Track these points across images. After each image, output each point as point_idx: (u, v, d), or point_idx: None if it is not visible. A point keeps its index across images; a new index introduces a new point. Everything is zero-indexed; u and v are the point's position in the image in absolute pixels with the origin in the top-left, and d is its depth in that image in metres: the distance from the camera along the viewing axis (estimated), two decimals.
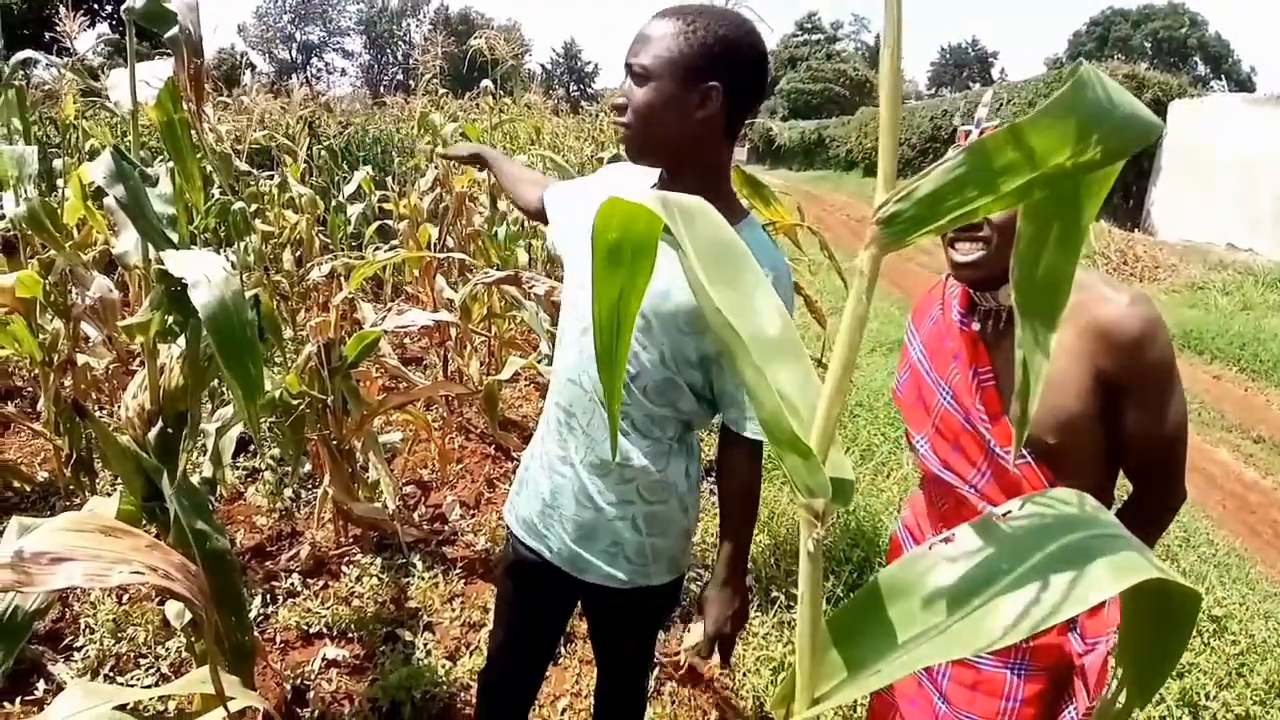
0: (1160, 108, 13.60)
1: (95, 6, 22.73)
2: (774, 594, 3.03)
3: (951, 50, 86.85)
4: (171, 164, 2.10)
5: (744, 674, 2.61)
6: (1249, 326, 7.86)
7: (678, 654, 2.54)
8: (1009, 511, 0.56)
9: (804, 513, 0.51)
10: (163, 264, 1.79)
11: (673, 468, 1.48)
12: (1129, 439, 1.29)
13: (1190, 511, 4.11)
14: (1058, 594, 0.49)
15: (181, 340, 1.95)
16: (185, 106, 2.04)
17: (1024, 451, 1.31)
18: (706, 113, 1.29)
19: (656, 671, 2.55)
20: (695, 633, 1.43)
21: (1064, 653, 1.36)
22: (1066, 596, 0.49)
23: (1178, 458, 1.31)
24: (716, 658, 1.54)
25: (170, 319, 1.94)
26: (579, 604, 1.72)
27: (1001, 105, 15.64)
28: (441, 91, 6.39)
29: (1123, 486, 1.41)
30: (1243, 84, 57.45)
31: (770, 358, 0.52)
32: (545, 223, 1.75)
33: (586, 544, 1.52)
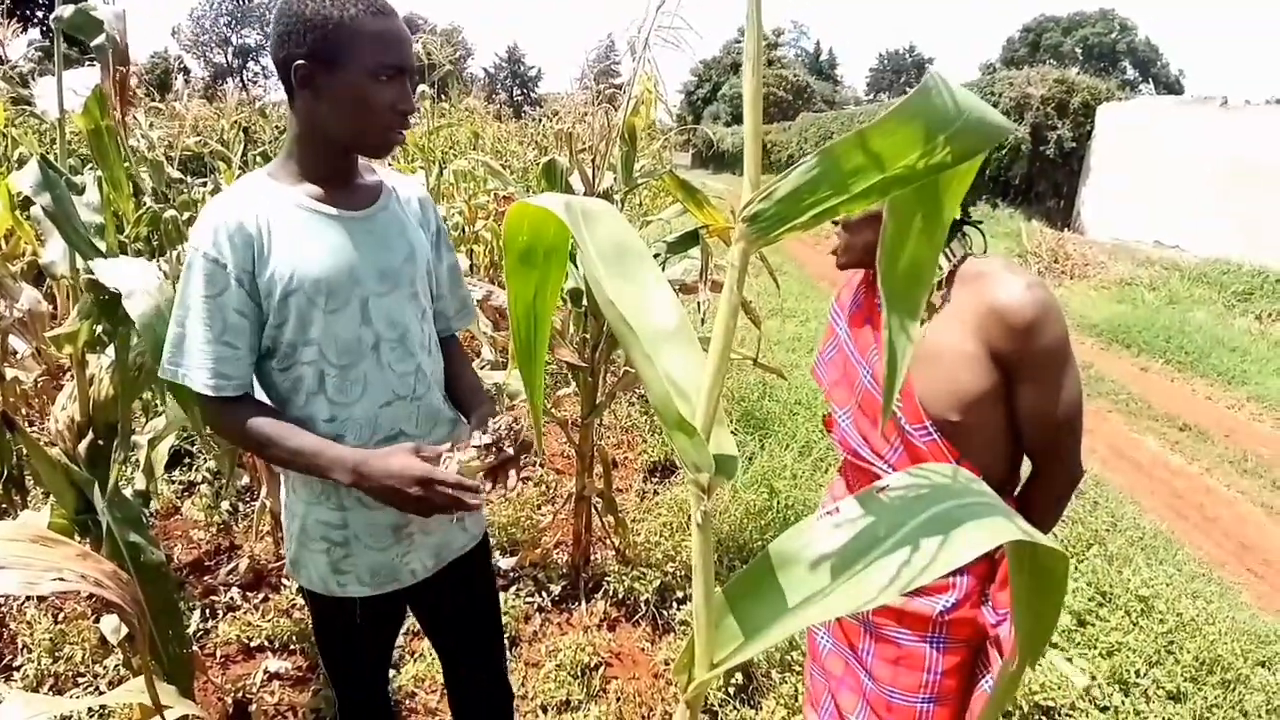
0: (1090, 111, 14.07)
1: (28, 13, 22.04)
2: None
3: (889, 56, 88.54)
4: (99, 172, 2.08)
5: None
6: (1175, 320, 8.17)
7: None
8: (888, 484, 0.60)
9: (692, 487, 0.55)
10: (92, 273, 1.78)
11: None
12: (1025, 418, 1.35)
13: (1118, 497, 4.27)
14: (928, 556, 0.54)
15: (111, 350, 1.92)
16: (112, 114, 2.03)
17: (929, 428, 1.37)
18: None
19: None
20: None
21: (978, 625, 1.43)
22: (935, 558, 0.54)
23: (1072, 436, 1.37)
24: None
25: (99, 328, 1.92)
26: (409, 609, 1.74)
27: None
28: None
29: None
30: (1171, 87, 59.48)
31: (661, 347, 0.56)
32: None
33: (443, 529, 1.56)
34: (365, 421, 1.42)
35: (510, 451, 1.35)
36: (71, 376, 2.03)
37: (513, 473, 1.39)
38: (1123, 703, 2.58)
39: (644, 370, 0.54)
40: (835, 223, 1.44)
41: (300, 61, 1.27)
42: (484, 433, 1.34)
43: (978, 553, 0.54)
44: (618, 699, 2.51)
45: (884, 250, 0.55)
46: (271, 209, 1.35)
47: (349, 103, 1.30)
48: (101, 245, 1.89)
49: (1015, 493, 1.48)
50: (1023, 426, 1.36)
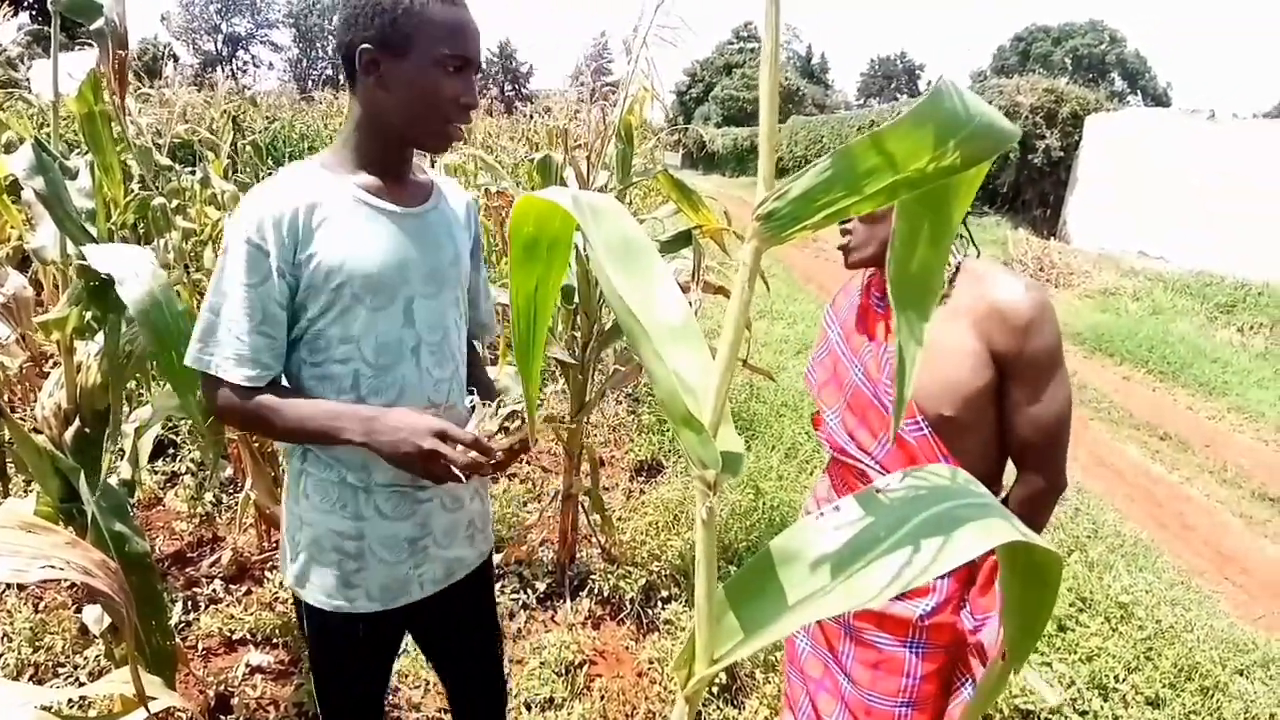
0: (1078, 121, 14.18)
1: None
2: None
3: (880, 62, 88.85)
4: (91, 157, 2.06)
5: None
6: (1158, 330, 8.25)
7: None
8: (889, 484, 0.61)
9: (698, 483, 0.55)
10: (83, 258, 1.76)
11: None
12: (1015, 419, 1.37)
13: (1099, 504, 4.31)
14: (928, 556, 0.55)
15: (100, 337, 1.91)
16: (109, 99, 2.01)
17: (920, 424, 1.39)
18: None
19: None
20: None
21: (957, 630, 1.45)
22: (935, 558, 0.54)
23: (1060, 442, 1.39)
24: None
25: (89, 315, 1.90)
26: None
27: None
28: None
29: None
30: (1159, 99, 59.97)
31: (669, 344, 0.57)
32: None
33: (456, 544, 1.53)
34: None
35: (514, 434, 1.33)
36: (57, 363, 2.02)
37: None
38: (1102, 708, 2.61)
39: (653, 367, 0.55)
40: (844, 221, 1.45)
41: (366, 46, 1.24)
42: (504, 405, 1.33)
43: (977, 553, 0.54)
44: (602, 697, 2.52)
45: (894, 254, 0.56)
46: (323, 199, 1.30)
47: (413, 92, 1.27)
48: (94, 231, 1.87)
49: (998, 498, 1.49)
50: (1010, 429, 1.38)
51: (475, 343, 1.68)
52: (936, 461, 1.37)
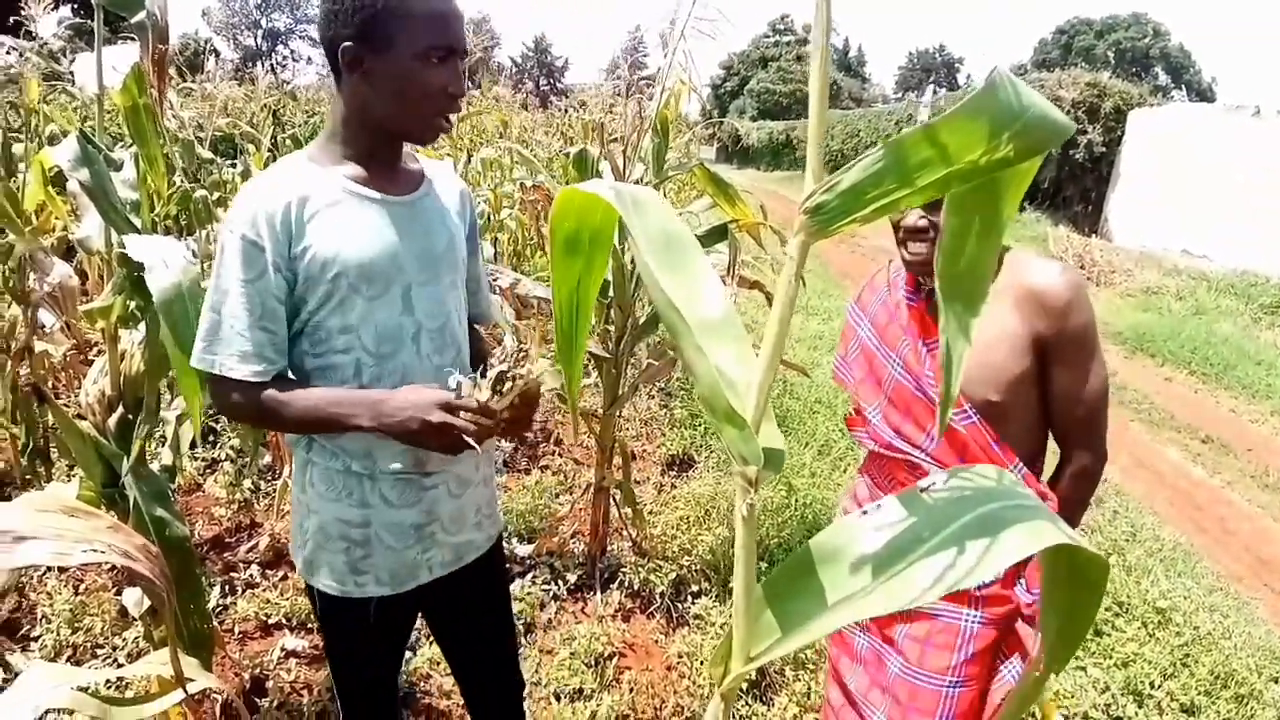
0: (1121, 116, 13.90)
1: None
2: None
3: (919, 55, 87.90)
4: (135, 149, 2.09)
5: (701, 662, 2.66)
6: (1200, 331, 8.07)
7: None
8: (933, 484, 0.60)
9: (739, 480, 0.55)
10: (124, 248, 1.79)
11: None
12: (1057, 398, 1.42)
13: (1138, 507, 4.23)
14: (973, 559, 0.53)
15: (143, 326, 1.94)
16: (150, 92, 2.04)
17: (969, 411, 1.41)
18: None
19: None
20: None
21: (1011, 603, 1.47)
22: (980, 561, 0.53)
23: (1100, 417, 1.43)
24: None
25: (132, 304, 1.94)
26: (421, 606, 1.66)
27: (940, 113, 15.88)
28: None
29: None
30: (1203, 94, 58.72)
31: (711, 339, 0.56)
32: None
33: (465, 529, 1.53)
34: None
35: (524, 374, 1.29)
36: (101, 351, 2.05)
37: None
38: (1136, 714, 2.56)
39: (695, 361, 0.54)
40: (920, 234, 1.43)
41: (348, 43, 1.24)
42: (493, 365, 1.29)
43: (1022, 556, 0.53)
44: (630, 689, 2.52)
45: (942, 250, 0.55)
46: (312, 192, 1.31)
47: (399, 87, 1.26)
48: (137, 222, 1.90)
49: (1042, 478, 1.52)
50: (1054, 409, 1.43)
51: (478, 327, 1.68)
52: (987, 447, 1.41)
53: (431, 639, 2.65)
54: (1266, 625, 3.24)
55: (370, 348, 1.35)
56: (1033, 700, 0.75)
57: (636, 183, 2.68)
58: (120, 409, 2.00)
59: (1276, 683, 2.79)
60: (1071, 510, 1.51)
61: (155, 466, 2.15)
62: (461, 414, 1.25)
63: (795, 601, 0.58)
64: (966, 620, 1.47)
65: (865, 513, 0.60)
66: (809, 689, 2.50)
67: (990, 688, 1.51)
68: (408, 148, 1.47)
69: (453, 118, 1.35)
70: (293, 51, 70.96)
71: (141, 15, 1.90)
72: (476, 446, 1.25)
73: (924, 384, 1.47)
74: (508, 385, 1.27)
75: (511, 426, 1.34)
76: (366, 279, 1.32)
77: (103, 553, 1.19)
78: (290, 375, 1.40)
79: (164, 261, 1.68)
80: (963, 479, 0.60)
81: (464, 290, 1.52)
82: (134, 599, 2.19)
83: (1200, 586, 3.43)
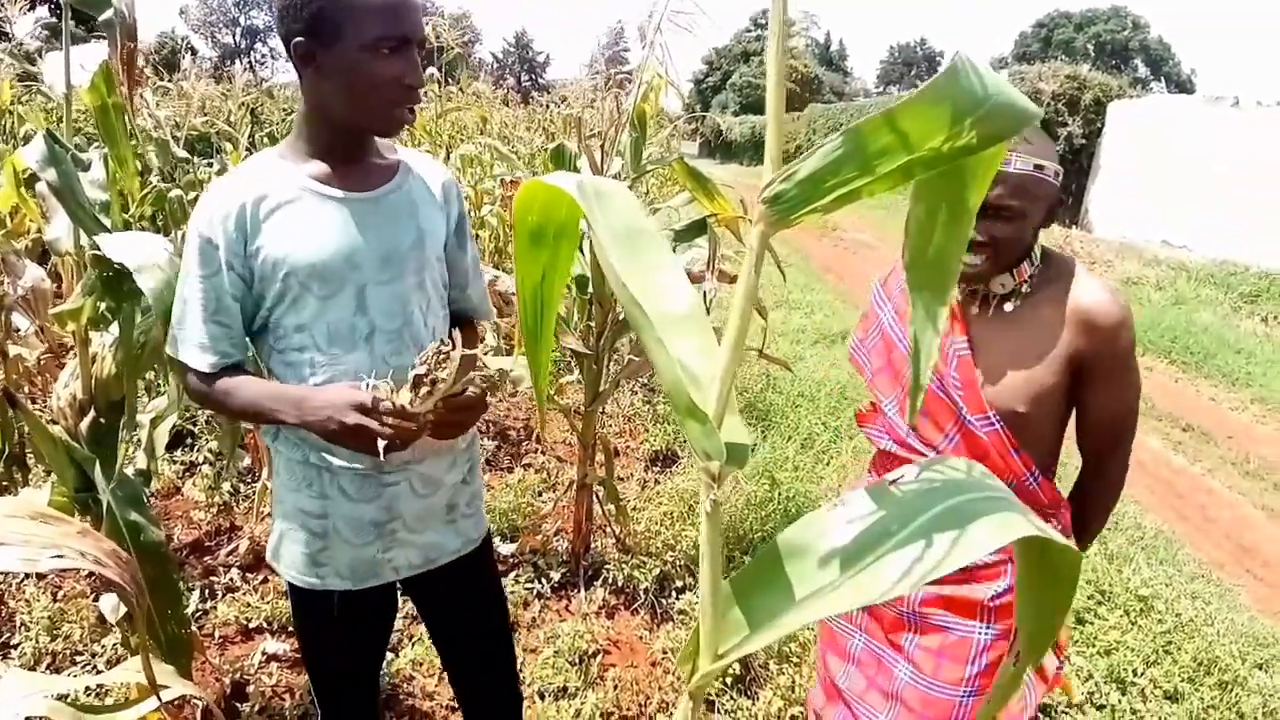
0: (1101, 108, 13.98)
1: None
2: None
3: (900, 49, 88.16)
4: (105, 149, 2.06)
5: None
6: (1180, 321, 8.13)
7: None
8: (902, 477, 0.59)
9: (702, 475, 0.54)
10: (97, 249, 1.76)
11: None
12: (1092, 413, 1.41)
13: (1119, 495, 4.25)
14: (941, 551, 0.53)
15: (114, 327, 1.91)
16: (119, 91, 2.01)
17: (992, 419, 1.40)
18: None
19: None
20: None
21: None
22: (948, 554, 0.52)
23: (1130, 432, 1.44)
24: None
25: (103, 305, 1.91)
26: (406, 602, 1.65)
27: None
28: None
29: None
30: (1183, 86, 59.19)
31: (673, 332, 0.55)
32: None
33: (432, 530, 1.50)
34: None
35: (445, 378, 1.24)
36: (74, 354, 2.03)
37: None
38: (1120, 701, 2.57)
39: (656, 355, 0.53)
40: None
41: (299, 39, 1.23)
42: (414, 367, 1.25)
43: (992, 549, 0.53)
44: (615, 686, 2.51)
45: (909, 238, 0.54)
46: (272, 190, 1.31)
47: (350, 80, 1.25)
48: (107, 222, 1.88)
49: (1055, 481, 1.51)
50: (1088, 423, 1.43)
51: (478, 325, 1.66)
52: (1006, 454, 1.40)
53: (414, 640, 2.64)
54: (1249, 612, 3.26)
55: (322, 346, 1.35)
56: (1012, 692, 0.74)
57: (615, 177, 2.66)
58: (92, 413, 1.98)
59: (1260, 669, 2.80)
60: (1096, 517, 1.52)
61: (130, 470, 2.13)
62: (382, 416, 1.22)
63: (763, 597, 0.57)
64: (980, 634, 1.46)
65: (835, 507, 0.59)
66: (793, 682, 2.49)
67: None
68: (388, 140, 1.45)
69: (414, 109, 1.33)
70: (272, 49, 70.34)
71: (109, 13, 1.88)
72: (381, 450, 1.21)
73: (947, 384, 1.44)
74: (424, 389, 1.22)
75: (440, 429, 1.31)
76: (318, 278, 1.31)
77: (71, 559, 1.17)
78: (252, 367, 1.43)
79: (152, 261, 1.67)
80: (933, 471, 0.60)
81: (438, 289, 1.49)
82: (111, 605, 2.17)
83: (1182, 574, 3.45)
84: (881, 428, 1.58)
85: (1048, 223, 1.39)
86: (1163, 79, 60.35)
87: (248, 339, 1.41)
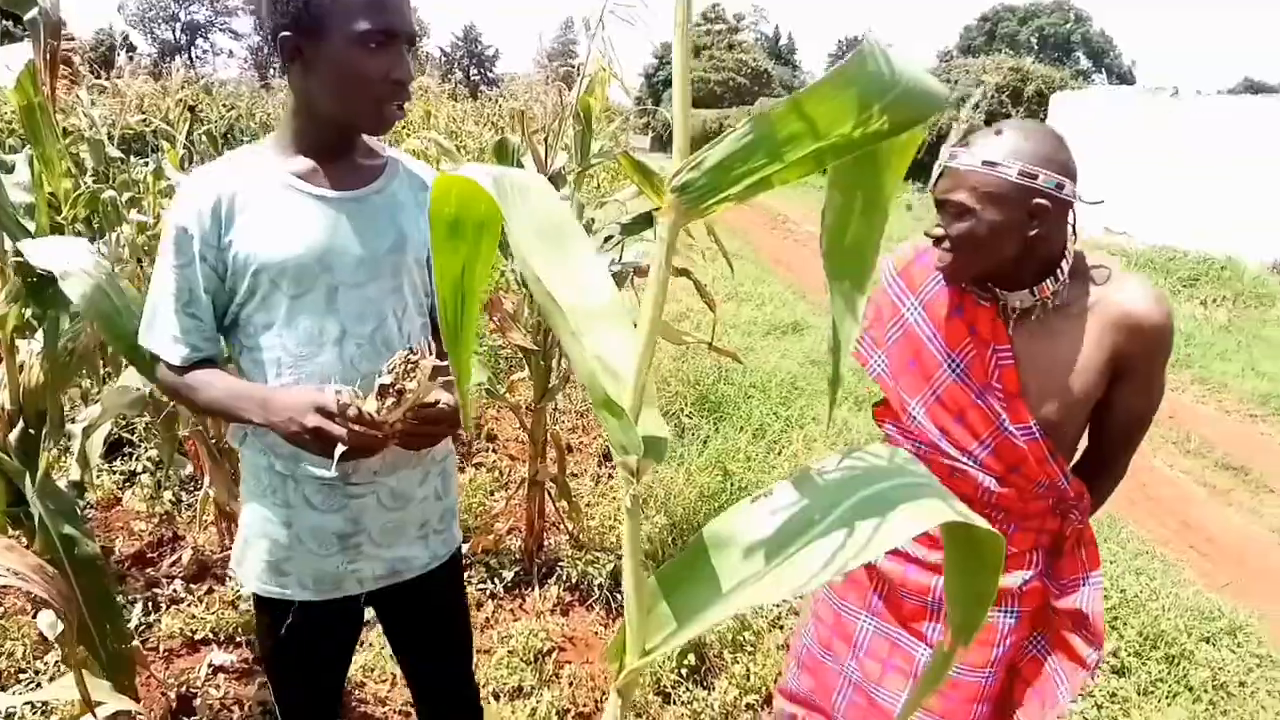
0: (1043, 99, 14.29)
1: None
2: None
3: (848, 42, 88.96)
4: (33, 150, 2.00)
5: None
6: None
7: None
8: (824, 466, 0.59)
9: (621, 470, 0.53)
10: (21, 255, 1.70)
11: None
12: (1118, 413, 1.42)
13: None
14: (863, 539, 0.53)
15: (40, 334, 1.85)
16: (43, 90, 1.95)
17: (1033, 428, 1.38)
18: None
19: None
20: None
21: (1043, 594, 1.50)
22: (870, 541, 0.52)
23: (1146, 428, 1.47)
24: None
25: (29, 312, 1.85)
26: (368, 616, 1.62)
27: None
28: None
29: None
30: (1123, 77, 60.62)
31: (590, 325, 0.54)
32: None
33: (401, 544, 1.47)
34: None
35: (414, 388, 1.19)
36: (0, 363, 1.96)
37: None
38: None
39: (570, 349, 0.52)
40: (940, 239, 1.38)
41: (285, 33, 1.20)
42: (380, 375, 1.21)
43: (913, 534, 0.53)
44: (570, 683, 2.50)
45: (827, 227, 0.53)
46: (251, 183, 1.29)
47: (337, 74, 1.22)
48: (31, 226, 1.81)
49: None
50: (1112, 422, 1.43)
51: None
52: (1044, 460, 1.39)
53: (364, 646, 2.60)
54: (1194, 586, 3.35)
55: (291, 347, 1.32)
56: (944, 673, 0.75)
57: (559, 171, 2.65)
58: (21, 423, 1.91)
59: (1208, 642, 2.88)
60: (1095, 506, 1.53)
61: (63, 482, 2.06)
62: (347, 423, 1.18)
63: (689, 591, 0.56)
64: (1004, 618, 1.48)
65: (760, 497, 0.59)
66: (748, 671, 2.51)
67: (1017, 658, 1.56)
68: (376, 139, 1.42)
69: (404, 105, 1.30)
70: (213, 45, 68.80)
71: (33, 11, 1.82)
72: (334, 456, 1.17)
73: (989, 394, 1.41)
74: (390, 400, 1.19)
75: (409, 440, 1.27)
76: (288, 277, 1.28)
77: None
78: (222, 361, 1.41)
79: (77, 266, 1.62)
80: (855, 459, 0.60)
81: (417, 295, 1.44)
82: (48, 621, 2.09)
83: (1126, 551, 3.53)
84: (903, 428, 1.54)
85: (1051, 232, 1.33)
86: (1104, 71, 61.77)
87: (220, 335, 1.39)
